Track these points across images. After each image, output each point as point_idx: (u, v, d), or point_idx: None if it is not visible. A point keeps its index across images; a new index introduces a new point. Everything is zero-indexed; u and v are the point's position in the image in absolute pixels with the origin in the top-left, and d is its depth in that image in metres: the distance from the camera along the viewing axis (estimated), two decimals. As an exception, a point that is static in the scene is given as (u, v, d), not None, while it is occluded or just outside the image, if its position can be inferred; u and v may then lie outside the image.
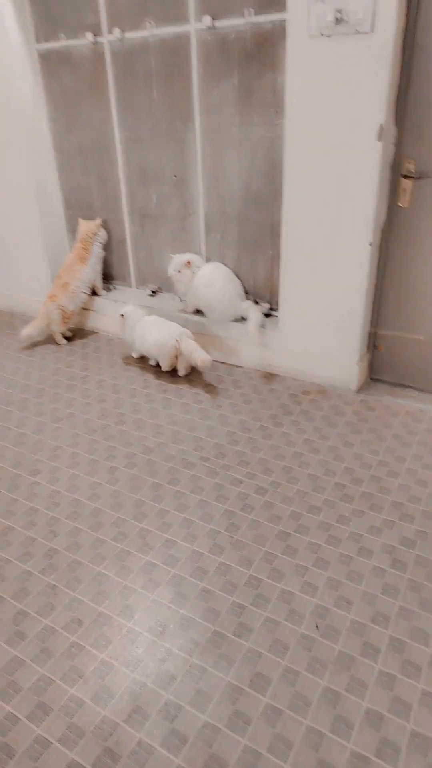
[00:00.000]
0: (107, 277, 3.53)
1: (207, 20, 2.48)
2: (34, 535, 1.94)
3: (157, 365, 2.97)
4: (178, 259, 2.93)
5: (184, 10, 2.55)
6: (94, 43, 2.90)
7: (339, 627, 1.57)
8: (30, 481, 2.21)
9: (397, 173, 2.30)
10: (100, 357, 3.18)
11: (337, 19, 2.05)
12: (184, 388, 2.79)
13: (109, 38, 2.84)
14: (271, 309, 2.92)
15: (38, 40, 3.10)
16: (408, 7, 2.04)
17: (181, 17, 2.58)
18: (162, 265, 3.26)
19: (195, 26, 2.55)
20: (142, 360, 3.06)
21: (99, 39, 2.87)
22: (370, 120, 2.13)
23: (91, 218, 3.39)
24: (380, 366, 2.70)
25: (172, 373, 2.93)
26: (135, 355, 3.09)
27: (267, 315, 2.90)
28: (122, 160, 3.11)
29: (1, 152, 3.33)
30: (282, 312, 2.72)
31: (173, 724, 1.36)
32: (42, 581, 1.76)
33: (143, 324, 2.93)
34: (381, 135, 2.14)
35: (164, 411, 2.61)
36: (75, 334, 3.47)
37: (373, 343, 2.66)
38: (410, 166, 2.27)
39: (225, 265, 2.94)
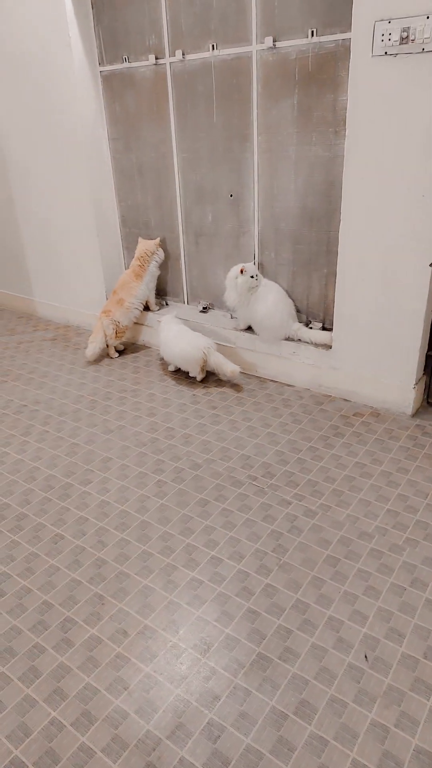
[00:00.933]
0: (161, 293, 3.60)
1: (269, 41, 2.53)
2: (83, 545, 1.97)
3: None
4: (251, 267, 2.91)
5: (246, 31, 2.61)
6: (155, 65, 2.99)
7: (389, 660, 1.52)
8: (81, 490, 2.26)
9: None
10: (151, 371, 3.23)
11: (402, 38, 2.04)
12: (233, 405, 2.80)
13: (171, 60, 2.92)
14: (324, 329, 2.90)
15: (102, 63, 3.23)
16: None
17: (243, 39, 2.63)
18: (215, 282, 3.30)
19: (257, 47, 2.60)
20: (189, 375, 3.09)
21: (161, 61, 2.97)
22: (432, 141, 2.11)
23: (149, 237, 3.47)
24: (436, 390, 2.63)
25: (222, 389, 2.95)
26: (170, 368, 3.15)
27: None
28: (179, 179, 3.18)
29: (64, 170, 3.47)
30: (336, 332, 2.69)
31: (216, 745, 1.35)
32: (90, 590, 1.79)
33: (168, 334, 3.04)
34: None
35: (213, 427, 2.62)
36: (127, 348, 3.54)
37: (430, 366, 2.60)
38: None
39: (278, 283, 2.95)
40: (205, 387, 2.98)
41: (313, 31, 2.41)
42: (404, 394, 2.57)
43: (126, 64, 3.12)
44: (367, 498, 2.11)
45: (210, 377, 3.06)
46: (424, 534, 1.92)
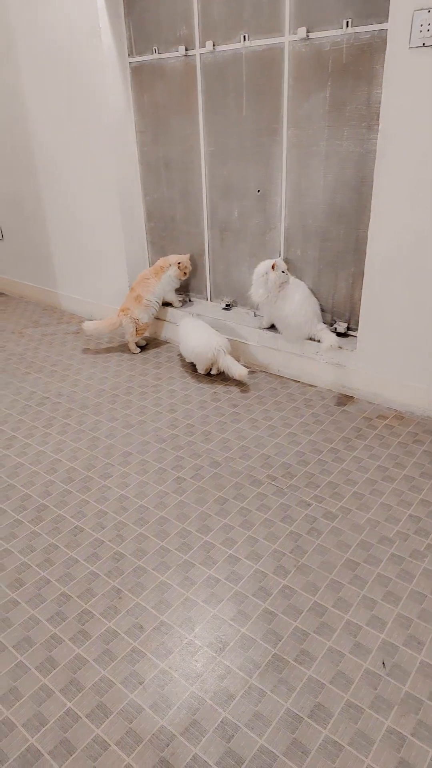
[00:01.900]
0: (185, 289, 3.59)
1: (302, 32, 2.48)
2: (102, 538, 1.98)
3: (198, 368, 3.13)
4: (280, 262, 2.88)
5: (279, 22, 2.57)
6: (185, 56, 2.97)
7: (408, 667, 1.50)
8: (100, 484, 2.27)
9: None
10: (173, 367, 3.23)
11: (441, 31, 1.99)
12: (254, 404, 2.78)
13: (201, 51, 2.90)
14: (349, 328, 2.87)
15: (131, 54, 3.22)
16: None
17: (275, 29, 2.59)
18: (240, 279, 3.28)
19: (289, 38, 2.56)
20: (210, 372, 3.09)
21: (191, 52, 2.94)
22: (467, 139, 2.06)
23: (174, 231, 3.46)
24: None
25: (243, 388, 2.94)
26: (187, 360, 3.17)
27: (344, 335, 2.85)
28: (206, 173, 3.17)
29: (91, 163, 3.47)
30: (361, 332, 2.66)
31: (229, 744, 1.35)
32: (107, 584, 1.80)
33: (187, 327, 3.08)
34: None
35: (233, 425, 2.61)
36: (149, 344, 3.55)
37: (455, 369, 2.55)
38: None
39: (303, 281, 2.92)
40: (225, 385, 2.97)
41: (348, 22, 2.36)
42: (430, 397, 2.53)
43: (156, 56, 3.11)
44: (389, 502, 2.08)
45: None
46: (446, 541, 1.90)
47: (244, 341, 3.14)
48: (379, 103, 2.33)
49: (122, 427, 2.66)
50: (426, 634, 1.58)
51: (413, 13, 2.03)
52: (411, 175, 2.25)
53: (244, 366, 2.91)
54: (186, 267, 3.33)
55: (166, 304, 3.48)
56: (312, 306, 2.85)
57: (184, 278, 3.37)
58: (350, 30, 2.36)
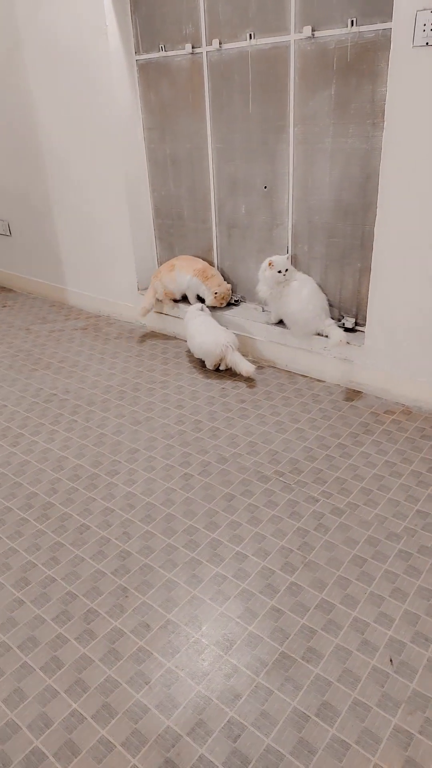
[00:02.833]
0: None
1: (307, 30, 2.47)
2: (109, 536, 1.98)
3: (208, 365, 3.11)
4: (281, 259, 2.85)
5: (285, 20, 2.55)
6: (192, 54, 2.96)
7: (415, 665, 1.48)
8: (107, 481, 2.27)
9: None
10: (181, 363, 3.22)
11: (445, 28, 1.97)
12: (262, 400, 2.77)
13: (208, 49, 2.88)
14: (357, 324, 2.84)
15: (138, 51, 3.21)
16: None
17: (281, 28, 2.57)
18: (247, 275, 3.26)
19: (295, 36, 2.54)
20: (219, 368, 3.08)
21: (197, 50, 2.93)
22: None
23: (182, 227, 3.45)
24: (471, 389, 2.55)
25: (251, 383, 2.92)
26: (196, 356, 3.16)
27: (352, 330, 2.83)
28: (214, 170, 3.15)
29: (99, 159, 3.47)
30: (369, 327, 2.63)
31: (236, 744, 1.34)
32: (113, 582, 1.79)
33: (194, 322, 3.07)
34: None
35: (241, 421, 2.60)
36: (157, 338, 3.54)
37: (464, 364, 2.52)
38: None
39: (311, 277, 2.90)
40: (233, 380, 2.96)
41: (352, 21, 2.34)
42: (438, 393, 2.50)
43: (162, 53, 3.09)
44: (396, 498, 2.06)
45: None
46: (456, 538, 1.87)
47: (252, 337, 3.13)
48: (384, 100, 2.31)
49: (130, 423, 2.65)
50: (435, 632, 1.56)
51: (416, 13, 2.02)
52: (416, 172, 2.22)
53: (252, 362, 2.90)
54: (222, 298, 3.25)
55: (177, 300, 3.48)
56: (320, 301, 2.83)
57: (217, 305, 3.27)
58: (355, 29, 2.35)
